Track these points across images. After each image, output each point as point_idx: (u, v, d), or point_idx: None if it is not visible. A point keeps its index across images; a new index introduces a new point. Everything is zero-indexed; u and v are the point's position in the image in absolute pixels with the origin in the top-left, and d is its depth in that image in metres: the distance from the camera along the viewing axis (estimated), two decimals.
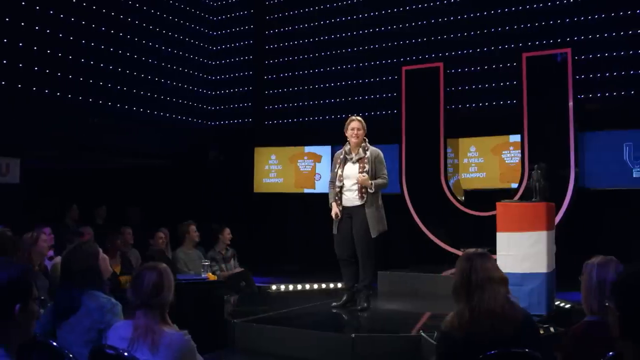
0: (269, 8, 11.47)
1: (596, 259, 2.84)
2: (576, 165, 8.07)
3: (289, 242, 10.73)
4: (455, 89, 9.39)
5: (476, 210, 8.62)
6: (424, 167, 9.01)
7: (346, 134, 5.92)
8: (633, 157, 8.08)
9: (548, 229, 5.36)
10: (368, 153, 5.80)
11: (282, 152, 10.62)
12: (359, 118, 5.96)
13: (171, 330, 2.78)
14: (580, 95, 8.37)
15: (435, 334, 4.38)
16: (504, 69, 9.06)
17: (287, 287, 7.84)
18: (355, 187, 5.73)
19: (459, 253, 8.46)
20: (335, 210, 5.85)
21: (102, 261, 3.52)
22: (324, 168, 10.13)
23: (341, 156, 5.93)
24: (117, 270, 5.97)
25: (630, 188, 8.14)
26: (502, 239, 5.37)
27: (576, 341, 2.72)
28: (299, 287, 7.90)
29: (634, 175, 8.06)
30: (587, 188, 8.25)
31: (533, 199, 5.57)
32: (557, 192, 7.02)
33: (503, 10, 9.30)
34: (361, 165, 5.75)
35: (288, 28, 11.23)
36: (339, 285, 7.77)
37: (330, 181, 6.04)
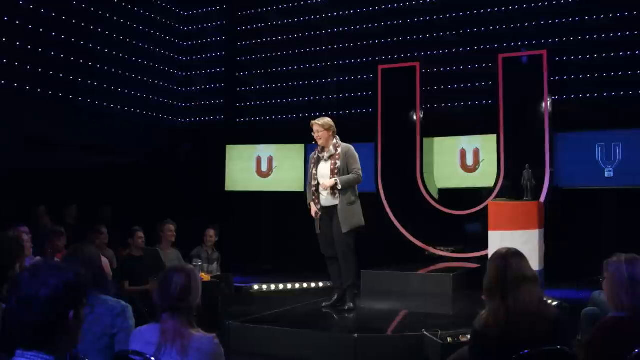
0: (242, 3, 11.27)
1: (620, 257, 2.87)
2: (551, 166, 8.24)
3: (263, 241, 10.60)
4: (431, 88, 9.45)
5: (452, 209, 8.73)
6: (400, 166, 9.04)
7: None
8: (605, 157, 8.30)
9: (539, 227, 5.44)
10: (339, 150, 5.79)
11: (254, 149, 10.45)
12: (317, 121, 5.82)
13: (200, 334, 2.69)
14: (554, 97, 8.55)
15: (440, 333, 4.39)
16: (480, 69, 9.16)
17: (269, 287, 7.73)
18: None
19: (435, 251, 8.65)
20: (314, 209, 5.85)
21: (105, 264, 3.38)
22: (296, 166, 10.03)
23: (315, 156, 5.94)
24: None
25: (602, 187, 8.39)
26: (495, 237, 5.42)
27: (603, 336, 2.75)
28: (281, 286, 7.81)
29: (606, 175, 8.29)
30: (560, 187, 8.44)
31: (525, 198, 5.64)
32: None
33: (480, 11, 9.42)
34: (332, 162, 5.74)
35: (261, 24, 11.08)
36: (320, 284, 7.75)
37: (307, 182, 6.05)
